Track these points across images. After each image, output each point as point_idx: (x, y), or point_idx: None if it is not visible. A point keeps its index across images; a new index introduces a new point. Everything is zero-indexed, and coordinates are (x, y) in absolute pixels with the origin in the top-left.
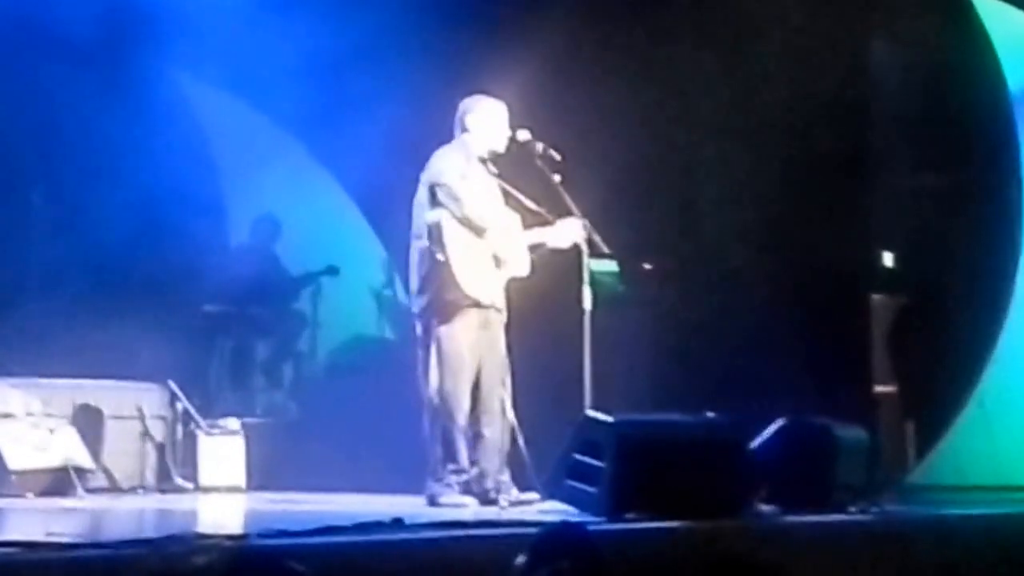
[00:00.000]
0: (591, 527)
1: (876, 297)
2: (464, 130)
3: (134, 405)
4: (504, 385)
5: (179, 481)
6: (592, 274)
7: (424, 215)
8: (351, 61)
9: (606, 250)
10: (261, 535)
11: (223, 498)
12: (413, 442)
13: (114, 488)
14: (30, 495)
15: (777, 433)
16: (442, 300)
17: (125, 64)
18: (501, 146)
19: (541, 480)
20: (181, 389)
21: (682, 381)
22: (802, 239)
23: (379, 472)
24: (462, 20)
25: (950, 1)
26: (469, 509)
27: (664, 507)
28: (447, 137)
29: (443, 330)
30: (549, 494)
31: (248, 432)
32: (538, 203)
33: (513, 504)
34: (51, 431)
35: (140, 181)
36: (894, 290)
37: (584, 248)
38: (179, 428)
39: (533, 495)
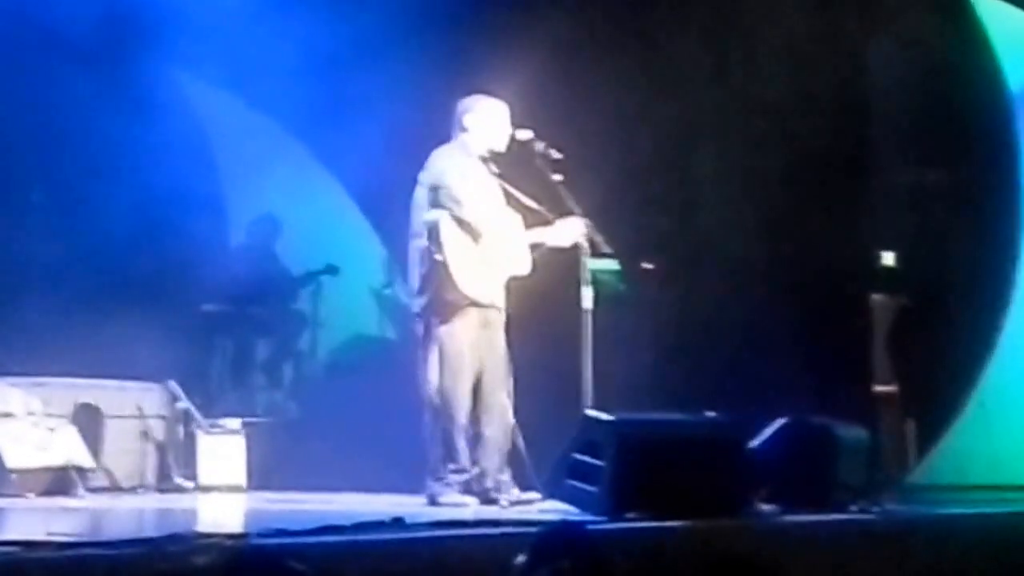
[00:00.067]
0: (591, 526)
1: (876, 297)
2: (463, 130)
3: (134, 404)
4: (504, 384)
5: (179, 480)
6: (592, 273)
7: (423, 215)
8: (351, 60)
9: (606, 249)
10: (261, 534)
11: (223, 497)
12: (413, 442)
13: (114, 487)
14: (30, 494)
15: (777, 432)
16: (441, 300)
17: (125, 63)
18: (501, 145)
19: (541, 479)
20: (181, 388)
21: (682, 380)
22: (802, 239)
23: (379, 471)
24: (462, 20)
25: (949, 0)
26: (469, 508)
27: (664, 506)
28: (447, 137)
29: (443, 330)
30: (549, 493)
31: (248, 431)
32: (539, 202)
33: (513, 503)
34: (51, 430)
35: (140, 180)
36: (894, 290)
37: (584, 247)
38: (179, 427)
39: (533, 494)
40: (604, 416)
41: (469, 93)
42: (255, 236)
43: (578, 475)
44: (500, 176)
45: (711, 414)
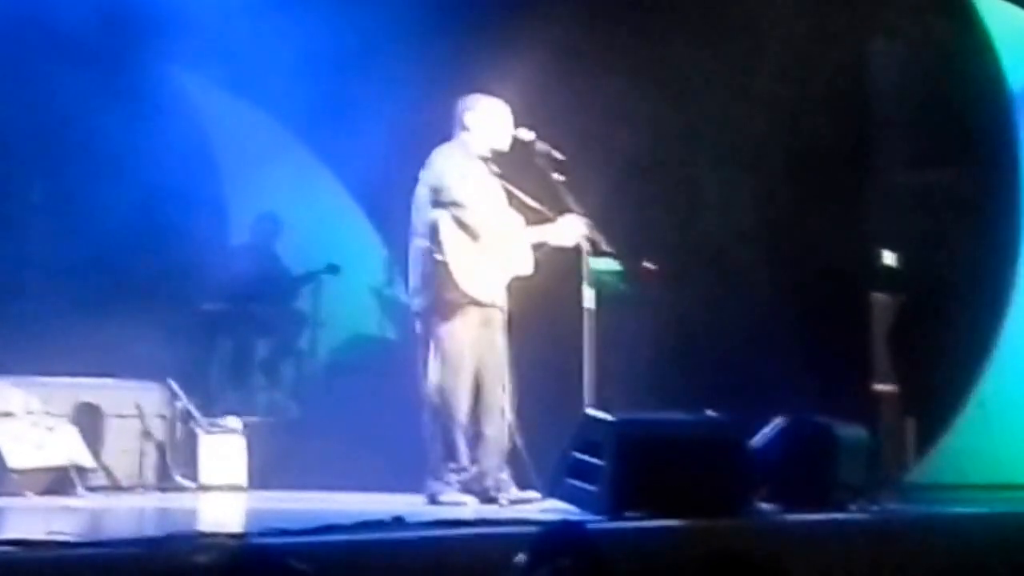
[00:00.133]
0: (591, 526)
1: (876, 296)
2: (464, 129)
3: (134, 404)
4: (504, 384)
5: (179, 480)
6: (593, 273)
7: (423, 214)
8: (352, 60)
9: (607, 249)
10: (262, 534)
11: (224, 497)
12: (413, 441)
13: (114, 487)
14: (30, 494)
15: (777, 432)
16: (441, 299)
17: (126, 63)
18: (502, 145)
19: (541, 478)
20: (181, 388)
21: (682, 380)
22: (802, 238)
23: (379, 471)
24: (463, 19)
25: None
26: (469, 508)
27: (664, 506)
28: (448, 136)
29: (443, 329)
30: (549, 492)
31: (248, 431)
32: (540, 202)
33: (513, 503)
34: (51, 430)
35: (141, 180)
36: (894, 289)
37: (585, 247)
38: (179, 427)
39: (533, 493)
40: (604, 415)
41: (470, 92)
42: (256, 235)
43: (578, 474)
44: (501, 176)
45: (711, 413)
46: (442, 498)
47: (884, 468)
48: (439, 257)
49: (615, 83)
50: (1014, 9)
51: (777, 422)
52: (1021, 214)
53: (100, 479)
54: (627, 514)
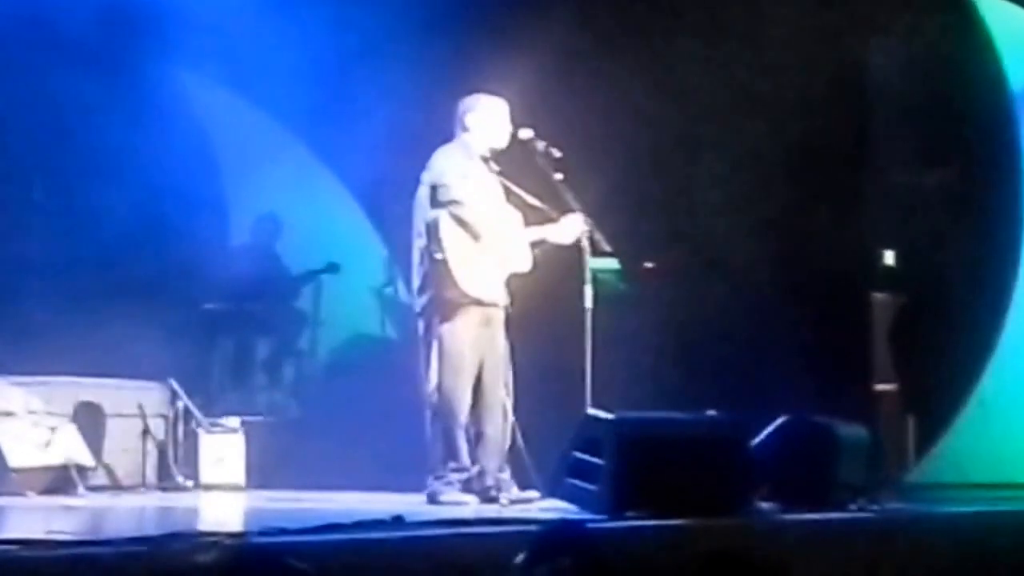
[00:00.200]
0: (591, 525)
1: (877, 295)
2: (465, 129)
3: (135, 403)
4: (505, 383)
5: (180, 479)
6: (593, 272)
7: (424, 214)
8: (353, 59)
9: (607, 248)
10: (262, 533)
11: (224, 496)
12: (414, 440)
13: (115, 486)
14: (31, 493)
15: (777, 431)
16: (442, 298)
17: (126, 62)
18: (502, 143)
19: (542, 478)
20: (182, 387)
21: (682, 379)
22: (803, 237)
23: (380, 470)
24: (464, 19)
25: None
26: (470, 507)
27: (664, 505)
28: (449, 136)
29: (444, 328)
30: (550, 492)
31: (249, 430)
32: (541, 200)
33: (514, 502)
34: (52, 429)
35: (141, 179)
36: (895, 288)
37: (585, 246)
38: (180, 426)
39: (534, 493)
40: (604, 415)
41: (470, 92)
42: (256, 235)
43: (578, 473)
44: (501, 174)
45: (711, 413)
46: (442, 498)
47: (884, 467)
48: (439, 256)
49: (615, 83)
50: (1015, 8)
51: (777, 421)
52: (1021, 213)
53: (101, 478)
54: (627, 514)
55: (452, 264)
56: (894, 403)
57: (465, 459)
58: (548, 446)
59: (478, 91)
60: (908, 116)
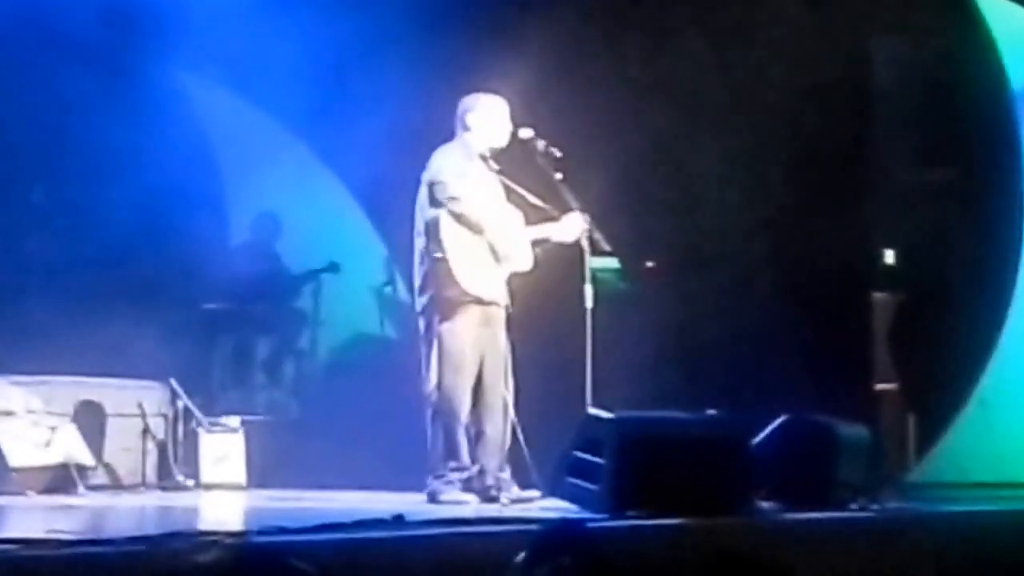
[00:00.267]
0: (592, 524)
1: (877, 294)
2: (465, 128)
3: (135, 403)
4: (506, 382)
5: (180, 479)
6: (593, 272)
7: (424, 213)
8: (353, 59)
9: (607, 247)
10: (262, 532)
11: (224, 495)
12: (414, 440)
13: (115, 485)
14: (31, 492)
15: (778, 430)
16: (442, 297)
17: (126, 62)
18: (502, 142)
19: (542, 477)
20: (182, 387)
21: (683, 378)
22: (804, 236)
23: (380, 469)
24: (464, 18)
25: None
26: (470, 506)
27: (665, 504)
28: (449, 135)
29: (445, 327)
30: (550, 491)
31: (249, 430)
32: (542, 199)
33: (514, 501)
34: (52, 429)
35: (141, 179)
36: (895, 287)
37: (586, 245)
38: (180, 426)
39: (534, 492)
40: (605, 414)
41: (470, 92)
42: (256, 234)
43: (579, 473)
44: (501, 173)
45: (712, 412)
46: (443, 497)
47: (885, 467)
48: (438, 255)
49: (616, 81)
50: (1016, 8)
51: (778, 421)
52: (1022, 213)
53: (101, 478)
54: (627, 513)
55: (452, 263)
56: (894, 402)
57: (465, 458)
58: (549, 445)
59: (478, 90)
60: (909, 115)
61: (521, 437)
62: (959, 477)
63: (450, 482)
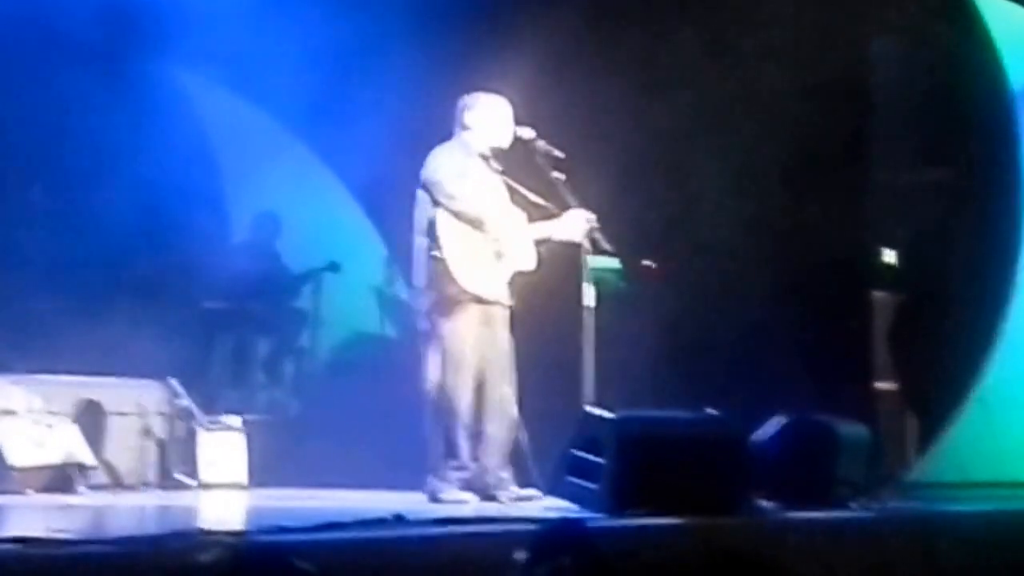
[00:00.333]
0: (591, 523)
1: (877, 293)
2: (464, 128)
3: (135, 402)
4: (506, 381)
5: (180, 478)
6: (593, 271)
7: (423, 213)
8: (353, 58)
9: (607, 247)
10: (262, 531)
11: (224, 495)
12: (414, 438)
13: (115, 485)
14: (31, 492)
15: (778, 430)
16: (443, 296)
17: (125, 61)
18: (502, 142)
19: (542, 476)
20: (182, 386)
21: (683, 378)
22: (804, 235)
23: (380, 468)
24: (464, 17)
25: None
26: (470, 505)
27: (664, 504)
28: (449, 135)
29: (445, 326)
30: (550, 490)
31: (249, 429)
32: (544, 199)
33: (514, 500)
34: (52, 428)
35: (141, 178)
36: (895, 286)
37: (586, 245)
38: (180, 425)
39: (534, 491)
40: (605, 413)
41: (471, 91)
42: (256, 233)
43: (578, 472)
44: (502, 173)
45: (712, 411)
46: (443, 496)
47: (885, 466)
48: (438, 254)
49: (616, 81)
50: (1015, 8)
51: (778, 420)
52: (1022, 212)
53: (101, 477)
54: (627, 512)
55: (451, 262)
56: (894, 402)
57: (466, 457)
58: (549, 444)
59: (479, 89)
60: (908, 115)
61: (521, 436)
62: (959, 477)
63: (450, 481)
